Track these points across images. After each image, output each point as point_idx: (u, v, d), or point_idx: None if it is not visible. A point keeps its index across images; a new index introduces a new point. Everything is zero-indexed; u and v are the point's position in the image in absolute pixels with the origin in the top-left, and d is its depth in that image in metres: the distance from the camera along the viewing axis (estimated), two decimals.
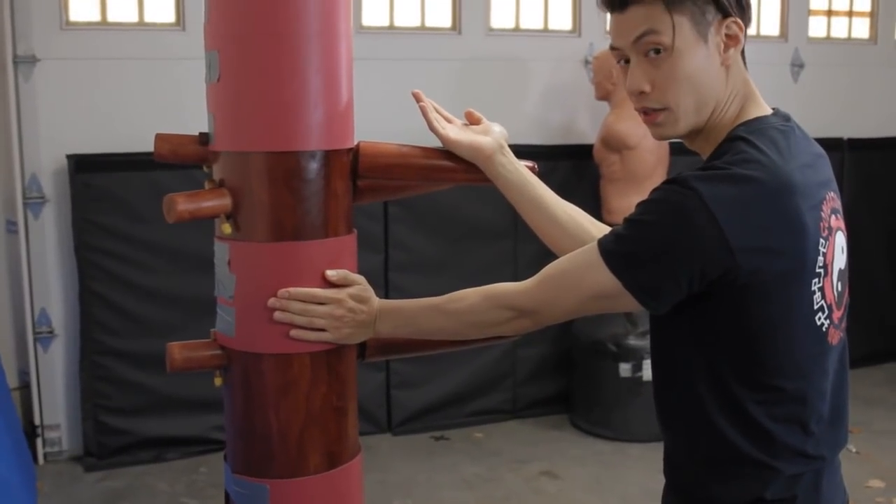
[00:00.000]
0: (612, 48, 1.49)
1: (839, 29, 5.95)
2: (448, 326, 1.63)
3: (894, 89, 5.93)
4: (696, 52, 1.42)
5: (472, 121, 1.75)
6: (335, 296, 1.59)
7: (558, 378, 4.99)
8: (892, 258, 5.84)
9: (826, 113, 5.63)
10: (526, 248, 4.78)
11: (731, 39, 1.45)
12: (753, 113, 1.48)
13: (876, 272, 5.79)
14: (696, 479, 1.50)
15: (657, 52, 1.42)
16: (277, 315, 1.56)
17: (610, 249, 1.38)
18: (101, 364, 4.23)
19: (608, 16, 1.48)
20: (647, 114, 1.47)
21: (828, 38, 5.89)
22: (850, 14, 5.96)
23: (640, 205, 1.38)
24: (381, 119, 4.44)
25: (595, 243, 1.41)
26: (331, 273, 1.59)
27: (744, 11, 1.46)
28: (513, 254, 4.83)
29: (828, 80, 5.73)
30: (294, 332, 1.58)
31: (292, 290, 1.56)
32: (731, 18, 1.44)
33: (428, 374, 4.74)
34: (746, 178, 1.33)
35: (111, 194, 4.17)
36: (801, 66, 5.67)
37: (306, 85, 1.47)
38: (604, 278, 1.39)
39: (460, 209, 4.69)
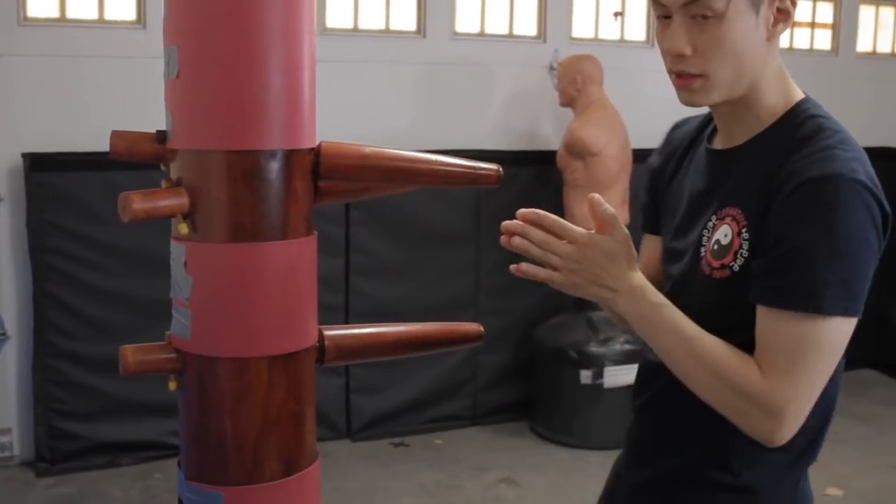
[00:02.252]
0: (656, 2, 1.44)
1: (801, 40, 6.00)
2: (691, 368, 1.42)
3: (856, 100, 5.98)
4: (746, 23, 1.40)
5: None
6: (585, 238, 1.40)
7: (519, 385, 4.98)
8: None
9: None
10: (488, 254, 4.76)
11: (782, 14, 1.44)
12: (800, 92, 1.50)
13: None
14: (720, 459, 1.53)
15: (705, 17, 1.40)
16: (515, 241, 1.41)
17: (836, 304, 1.35)
18: (54, 367, 4.15)
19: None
20: (682, 77, 1.45)
21: (790, 48, 5.94)
22: (813, 25, 6.01)
23: (810, 215, 1.33)
24: (345, 121, 4.41)
25: (802, 307, 1.34)
26: (597, 200, 1.41)
27: None
28: (475, 259, 4.82)
29: None
30: (526, 266, 1.42)
31: (541, 213, 1.41)
32: None
33: (388, 380, 4.71)
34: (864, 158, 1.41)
35: (67, 194, 4.10)
36: None
37: (267, 82, 1.43)
38: (847, 328, 1.39)
39: (423, 213, 4.67)
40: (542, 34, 5.16)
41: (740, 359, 1.38)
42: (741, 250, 1.43)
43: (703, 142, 1.63)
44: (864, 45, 6.19)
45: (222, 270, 1.49)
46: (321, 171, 1.53)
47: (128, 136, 1.53)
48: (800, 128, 1.44)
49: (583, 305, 4.59)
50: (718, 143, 1.58)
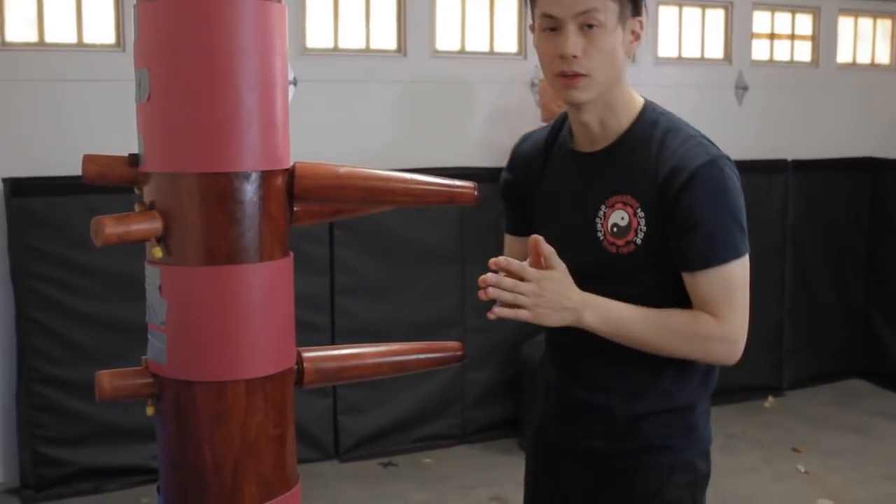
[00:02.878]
0: (547, 15, 1.76)
1: (782, 52, 6.03)
2: (658, 341, 1.80)
3: (836, 111, 6.02)
4: (617, 35, 1.77)
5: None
6: (539, 275, 1.71)
7: (507, 402, 4.96)
8: (837, 279, 5.90)
9: (770, 134, 5.70)
10: (473, 272, 4.74)
11: (635, 35, 1.82)
12: (640, 97, 1.89)
13: (820, 292, 5.84)
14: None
15: (590, 27, 1.74)
16: (490, 291, 1.69)
17: (742, 247, 1.79)
18: (38, 393, 4.12)
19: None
20: (569, 77, 1.76)
21: (771, 61, 5.97)
22: (793, 37, 6.04)
23: (706, 199, 1.75)
24: (327, 141, 4.41)
25: (721, 260, 1.77)
26: (538, 239, 1.73)
27: (644, 16, 1.83)
28: (461, 276, 4.80)
29: (772, 102, 5.80)
30: (497, 310, 1.70)
31: (505, 260, 1.71)
32: (640, 18, 1.81)
33: (375, 400, 4.69)
34: None
35: (48, 218, 4.07)
36: (746, 88, 5.73)
37: (239, 103, 1.42)
38: (748, 262, 1.82)
39: (407, 232, 4.66)
40: (522, 51, 5.17)
41: (692, 315, 1.79)
42: (640, 227, 1.80)
43: (560, 148, 1.95)
44: (843, 56, 6.22)
45: (197, 294, 1.47)
46: (296, 192, 1.52)
47: (100, 161, 1.52)
48: (656, 125, 1.83)
49: None
50: (584, 147, 1.90)
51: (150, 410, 1.57)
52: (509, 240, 2.13)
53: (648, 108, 1.87)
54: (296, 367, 1.60)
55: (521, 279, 1.71)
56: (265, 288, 1.51)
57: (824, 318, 5.87)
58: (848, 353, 5.98)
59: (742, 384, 5.47)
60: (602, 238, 1.84)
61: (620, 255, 1.83)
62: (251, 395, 1.52)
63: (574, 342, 1.89)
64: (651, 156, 1.81)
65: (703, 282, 1.79)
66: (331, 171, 1.55)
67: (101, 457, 4.21)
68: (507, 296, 1.70)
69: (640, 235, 1.81)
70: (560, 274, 1.74)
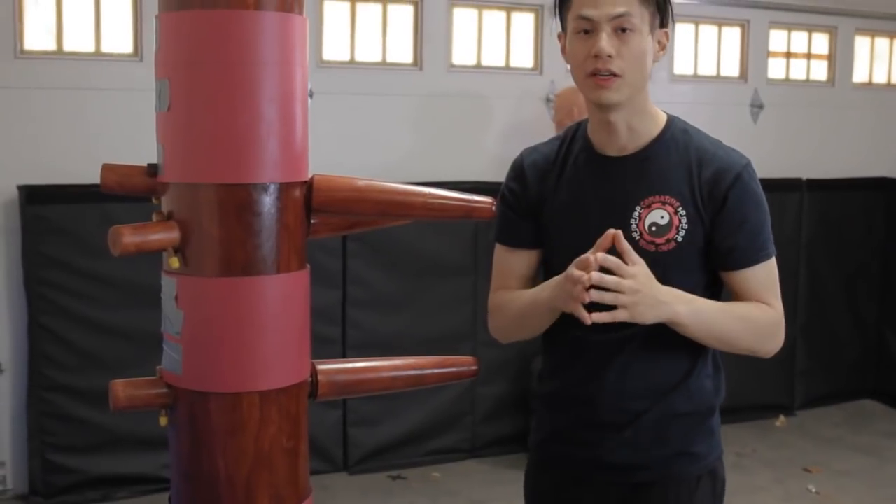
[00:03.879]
0: (583, 18, 1.82)
1: (798, 71, 6.02)
2: (736, 334, 1.86)
3: (852, 131, 6.00)
4: (648, 41, 1.84)
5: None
6: (634, 270, 1.73)
7: (517, 417, 4.94)
8: (849, 298, 5.88)
9: (785, 153, 5.68)
10: (486, 285, 4.73)
11: (661, 45, 1.90)
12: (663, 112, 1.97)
13: (833, 312, 5.82)
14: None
15: (623, 30, 1.80)
16: (592, 293, 1.70)
17: (772, 251, 1.90)
18: (49, 400, 4.12)
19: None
20: (604, 77, 1.81)
21: (787, 79, 5.96)
22: (809, 56, 6.03)
23: (750, 200, 1.87)
24: (343, 153, 4.42)
25: (766, 257, 1.89)
26: (618, 235, 1.74)
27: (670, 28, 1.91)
28: (473, 290, 4.79)
29: (787, 120, 5.79)
30: (597, 316, 1.72)
31: (603, 256, 1.72)
32: (665, 29, 1.89)
33: (385, 413, 4.68)
34: None
35: (63, 226, 4.08)
36: (761, 106, 5.72)
37: (259, 115, 1.42)
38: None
39: (420, 245, 4.65)
40: (538, 66, 5.18)
41: (756, 305, 1.87)
42: (681, 225, 1.85)
43: (580, 156, 1.96)
44: (860, 75, 6.21)
45: (214, 305, 1.47)
46: (314, 204, 1.52)
47: (119, 170, 1.52)
48: (687, 133, 1.92)
49: None
50: (610, 152, 1.92)
51: (163, 420, 1.57)
52: (506, 252, 2.08)
53: (675, 118, 1.95)
54: (310, 379, 1.59)
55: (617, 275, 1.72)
56: (281, 300, 1.51)
57: (837, 337, 5.84)
58: (860, 374, 5.95)
59: (754, 403, 5.45)
60: (639, 238, 1.86)
61: (660, 254, 1.85)
62: (265, 406, 1.52)
63: (599, 346, 1.91)
64: (690, 158, 1.88)
65: (752, 276, 1.87)
66: (349, 183, 1.55)
67: (111, 465, 4.21)
68: (608, 297, 1.70)
69: (682, 233, 1.85)
70: (646, 269, 1.75)
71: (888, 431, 5.44)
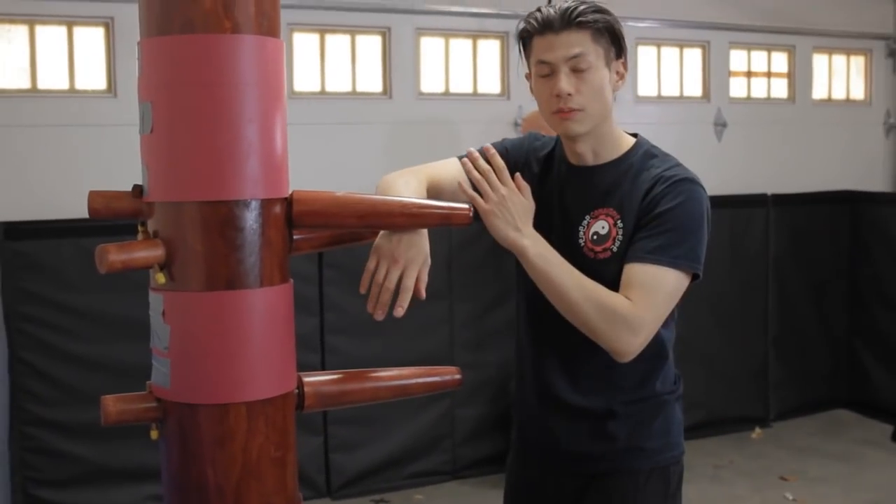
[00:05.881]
0: (542, 62, 1.97)
1: (759, 89, 6.15)
2: (576, 296, 1.88)
3: (814, 146, 6.13)
4: (604, 74, 1.97)
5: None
6: (515, 188, 1.87)
7: (497, 437, 4.98)
8: (819, 310, 5.97)
9: (750, 169, 5.80)
10: (461, 308, 4.81)
11: (619, 75, 2.02)
12: (630, 137, 2.08)
13: (804, 324, 5.90)
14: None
15: (580, 70, 1.94)
16: (475, 175, 1.86)
17: (685, 264, 1.90)
18: (30, 435, 4.13)
19: (534, 41, 1.99)
20: (566, 112, 1.95)
21: (748, 98, 6.08)
22: (769, 75, 6.16)
23: (676, 206, 1.92)
24: (315, 183, 4.44)
25: (665, 263, 1.89)
26: (522, 182, 1.88)
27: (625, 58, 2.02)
28: (449, 313, 4.84)
29: (750, 138, 5.90)
30: (469, 190, 1.88)
31: (496, 158, 1.88)
32: (622, 60, 2.01)
33: (366, 437, 4.70)
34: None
35: (41, 262, 4.10)
36: (724, 125, 5.84)
37: (239, 134, 1.48)
38: (685, 282, 1.93)
39: None
40: (505, 92, 5.27)
41: (615, 294, 1.89)
42: (618, 236, 1.97)
43: (557, 164, 2.10)
44: (819, 92, 6.35)
45: (200, 319, 1.52)
46: (295, 217, 1.58)
47: (105, 194, 1.57)
48: (646, 153, 2.03)
49: None
50: (580, 163, 2.06)
51: (154, 434, 1.60)
52: (458, 164, 2.06)
53: (642, 140, 2.08)
54: (296, 391, 1.64)
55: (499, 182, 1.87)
56: (265, 312, 1.55)
57: (809, 349, 5.92)
58: (833, 384, 6.03)
59: (729, 415, 5.52)
60: (583, 245, 2.02)
61: (597, 261, 1.99)
62: (252, 417, 1.56)
63: (557, 341, 2.05)
64: (640, 175, 2.00)
65: (635, 272, 1.91)
66: (328, 195, 1.61)
67: (94, 498, 4.21)
68: (485, 185, 1.86)
69: (617, 244, 1.97)
70: (528, 202, 1.89)
71: (862, 439, 5.51)
